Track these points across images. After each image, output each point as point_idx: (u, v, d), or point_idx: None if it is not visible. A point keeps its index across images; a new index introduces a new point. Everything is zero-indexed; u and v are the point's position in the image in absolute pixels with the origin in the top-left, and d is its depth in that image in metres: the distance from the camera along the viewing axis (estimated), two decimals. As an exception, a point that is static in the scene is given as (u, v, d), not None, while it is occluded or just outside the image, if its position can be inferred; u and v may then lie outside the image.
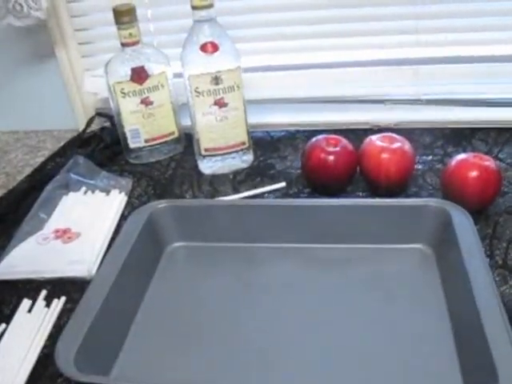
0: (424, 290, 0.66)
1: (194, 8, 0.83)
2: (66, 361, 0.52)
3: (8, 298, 0.71)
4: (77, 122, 1.17)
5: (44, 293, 0.71)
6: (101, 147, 1.05)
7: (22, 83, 1.17)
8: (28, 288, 0.72)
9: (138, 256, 0.69)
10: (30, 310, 0.68)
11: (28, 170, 1.04)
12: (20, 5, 0.94)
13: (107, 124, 1.12)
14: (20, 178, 1.01)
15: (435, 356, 0.58)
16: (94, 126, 1.12)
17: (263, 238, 0.75)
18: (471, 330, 0.55)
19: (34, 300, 0.69)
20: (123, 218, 0.85)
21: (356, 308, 0.65)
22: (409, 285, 0.68)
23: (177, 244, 0.77)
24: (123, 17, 0.89)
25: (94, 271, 0.73)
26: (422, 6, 0.96)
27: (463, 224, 0.67)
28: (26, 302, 0.69)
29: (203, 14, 0.84)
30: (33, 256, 0.77)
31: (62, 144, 1.12)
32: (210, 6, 0.83)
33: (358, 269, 0.71)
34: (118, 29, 0.90)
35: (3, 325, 0.66)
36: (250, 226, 0.76)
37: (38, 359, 0.61)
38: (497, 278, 0.66)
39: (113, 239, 0.79)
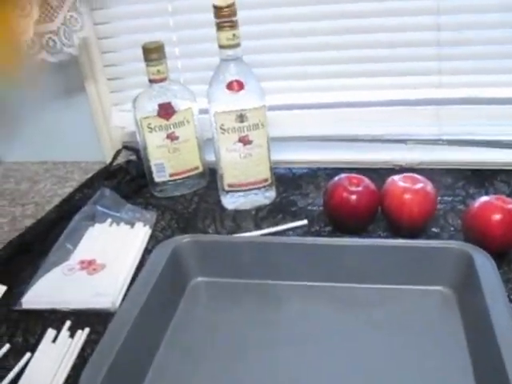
0: (445, 333, 0.66)
1: (222, 47, 0.86)
2: None
3: (33, 328, 0.72)
4: (103, 154, 1.20)
5: (68, 323, 0.72)
6: (127, 180, 1.08)
7: (52, 115, 1.21)
8: (53, 318, 0.74)
9: (161, 290, 0.70)
10: (54, 340, 0.69)
11: (56, 200, 1.07)
12: (53, 41, 0.98)
13: (133, 157, 1.14)
14: (48, 207, 1.04)
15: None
16: (120, 159, 1.15)
17: (284, 275, 0.76)
18: (494, 375, 0.55)
19: (59, 330, 0.71)
20: (147, 251, 0.86)
21: (376, 348, 0.65)
22: (430, 326, 0.68)
23: (199, 279, 0.78)
24: (152, 54, 0.92)
25: (117, 303, 0.74)
26: (445, 48, 0.98)
27: (486, 267, 0.67)
28: (50, 332, 0.70)
29: (230, 53, 0.86)
30: (58, 287, 0.78)
31: (89, 175, 1.15)
32: (237, 45, 0.86)
33: (378, 309, 0.71)
34: (147, 65, 0.93)
35: (28, 354, 0.67)
36: (271, 263, 0.76)
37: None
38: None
39: (137, 272, 0.81)
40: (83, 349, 0.68)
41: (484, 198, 0.78)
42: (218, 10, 0.83)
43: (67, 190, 1.12)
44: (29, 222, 0.99)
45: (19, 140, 1.26)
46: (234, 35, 0.85)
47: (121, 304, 0.72)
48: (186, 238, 0.78)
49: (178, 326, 0.71)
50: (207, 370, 0.64)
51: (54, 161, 1.26)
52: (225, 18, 0.83)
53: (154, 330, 0.68)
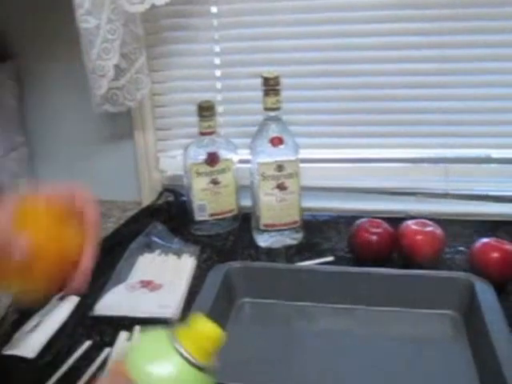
0: (453, 349, 0.79)
1: (266, 109, 1.02)
2: None
3: (107, 330, 0.86)
4: (140, 195, 1.33)
5: (138, 328, 0.85)
6: (166, 218, 1.21)
7: (98, 157, 1.33)
8: (123, 324, 0.86)
9: (217, 305, 0.83)
10: (128, 340, 0.82)
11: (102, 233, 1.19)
12: (116, 95, 1.13)
13: (170, 199, 1.29)
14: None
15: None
16: (158, 200, 1.29)
17: (316, 298, 0.89)
18: (495, 381, 0.67)
19: (131, 332, 0.84)
20: (194, 277, 0.99)
21: (392, 362, 0.77)
22: (440, 344, 0.80)
23: (246, 299, 0.91)
24: (205, 111, 1.07)
25: (178, 315, 0.88)
26: (449, 115, 1.16)
27: (486, 293, 0.81)
28: (123, 333, 0.83)
29: (273, 114, 1.02)
30: (124, 299, 0.92)
31: (127, 213, 1.27)
32: (279, 108, 1.02)
33: (394, 329, 0.84)
34: (200, 120, 1.08)
35: (108, 348, 0.81)
36: (305, 287, 0.89)
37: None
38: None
39: (188, 293, 0.94)
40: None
41: (485, 240, 0.93)
42: (265, 80, 1.00)
43: (110, 225, 1.23)
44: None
45: (62, 177, 1.30)
46: (277, 100, 1.01)
47: (182, 315, 0.87)
48: (236, 264, 0.92)
49: (229, 333, 0.83)
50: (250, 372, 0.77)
51: None
52: (271, 86, 1.00)
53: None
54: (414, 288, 0.87)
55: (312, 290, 0.89)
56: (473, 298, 0.82)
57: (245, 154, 1.08)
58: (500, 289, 0.88)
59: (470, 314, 0.82)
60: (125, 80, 1.11)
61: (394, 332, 0.84)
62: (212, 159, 1.10)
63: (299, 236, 1.11)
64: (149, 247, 1.07)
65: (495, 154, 1.18)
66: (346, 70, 1.17)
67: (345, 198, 1.22)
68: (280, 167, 1.03)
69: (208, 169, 1.11)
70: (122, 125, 1.28)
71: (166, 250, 1.07)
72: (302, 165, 1.06)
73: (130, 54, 1.10)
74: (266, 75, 1.00)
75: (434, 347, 0.80)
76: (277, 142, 1.02)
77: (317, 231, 1.15)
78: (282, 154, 1.03)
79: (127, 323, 0.87)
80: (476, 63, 1.12)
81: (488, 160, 1.18)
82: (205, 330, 0.50)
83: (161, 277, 0.98)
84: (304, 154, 1.09)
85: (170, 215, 1.23)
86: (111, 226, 1.23)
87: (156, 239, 1.09)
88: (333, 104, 1.20)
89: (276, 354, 0.80)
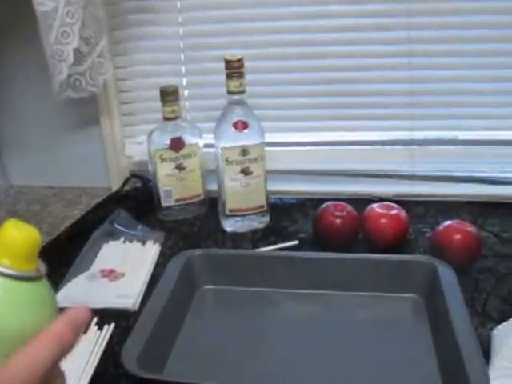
0: (415, 331, 0.79)
1: (230, 93, 1.00)
2: (130, 362, 0.67)
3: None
4: (110, 181, 1.32)
5: (96, 319, 0.83)
6: (133, 205, 1.20)
7: (65, 145, 1.32)
8: (81, 315, 0.86)
9: (177, 293, 0.83)
10: (84, 332, 0.81)
11: (68, 221, 1.18)
12: (79, 81, 1.11)
13: (138, 185, 1.27)
14: (62, 226, 1.15)
15: (423, 378, 0.71)
16: (126, 186, 1.28)
17: (279, 284, 0.88)
18: (454, 364, 0.67)
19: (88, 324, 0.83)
20: (157, 264, 0.98)
21: (357, 345, 0.77)
22: (402, 326, 0.81)
23: (207, 286, 0.90)
24: (168, 96, 1.06)
25: (137, 305, 0.87)
26: (416, 97, 1.15)
27: (447, 276, 0.81)
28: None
29: (236, 97, 1.01)
30: (84, 290, 0.91)
31: (95, 200, 1.26)
32: (243, 91, 1.00)
33: (359, 312, 0.84)
34: (163, 105, 1.06)
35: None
36: (268, 273, 0.89)
37: (94, 370, 0.75)
38: (476, 323, 0.79)
39: (151, 281, 0.93)
40: (110, 340, 0.80)
41: (447, 222, 0.92)
42: (228, 62, 0.98)
43: (77, 212, 1.22)
44: (45, 239, 1.08)
45: (30, 165, 1.37)
46: (240, 83, 0.99)
47: (141, 304, 0.86)
48: (198, 251, 0.92)
49: (191, 322, 0.84)
50: (214, 358, 0.77)
51: (60, 186, 1.35)
52: (234, 69, 0.98)
53: (173, 323, 0.81)
54: (377, 272, 0.86)
55: (275, 275, 0.89)
56: (435, 281, 0.82)
57: (210, 138, 1.07)
58: (463, 271, 0.89)
59: (432, 298, 0.82)
60: (87, 65, 1.09)
61: (357, 317, 0.84)
62: (176, 144, 1.09)
63: (266, 220, 1.10)
64: (112, 235, 1.06)
65: (462, 135, 1.18)
66: (311, 52, 1.15)
67: (312, 180, 1.22)
68: (244, 152, 1.02)
69: (173, 154, 1.10)
70: (88, 111, 1.26)
71: (131, 238, 1.06)
72: (267, 149, 1.06)
73: (91, 38, 1.07)
74: (228, 58, 0.98)
75: (395, 331, 0.80)
76: (241, 126, 1.01)
77: (284, 215, 1.15)
78: (246, 139, 1.02)
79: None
80: (442, 45, 1.11)
81: (455, 142, 1.18)
82: (16, 235, 0.41)
83: (123, 265, 0.97)
84: (270, 137, 1.09)
85: (137, 201, 1.22)
86: (79, 213, 1.22)
87: (119, 227, 1.08)
88: (298, 87, 1.19)
89: (240, 341, 0.80)
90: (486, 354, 0.70)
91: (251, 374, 0.73)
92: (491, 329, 0.75)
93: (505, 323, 0.73)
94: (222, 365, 0.75)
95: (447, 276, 0.82)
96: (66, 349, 0.40)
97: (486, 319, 0.80)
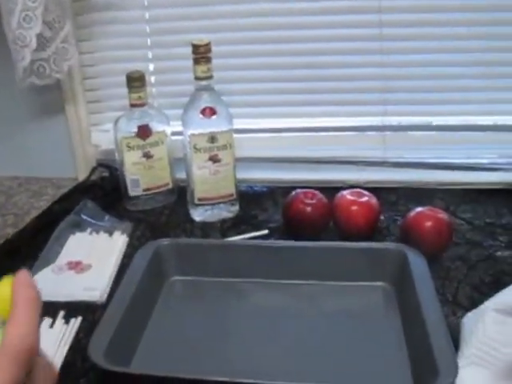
0: (385, 319, 0.79)
1: (197, 78, 0.98)
2: (97, 355, 0.66)
3: (30, 317, 0.82)
4: (76, 171, 1.29)
5: (62, 313, 0.81)
6: (101, 195, 1.17)
7: (29, 133, 1.28)
8: (47, 309, 0.82)
9: (145, 283, 0.81)
10: (51, 326, 0.79)
11: (34, 212, 1.15)
12: (43, 67, 1.07)
13: (106, 174, 1.24)
14: (28, 218, 1.12)
15: (393, 365, 0.70)
16: (93, 176, 1.25)
17: (249, 274, 0.87)
18: (423, 352, 0.67)
19: (54, 319, 0.80)
20: (125, 255, 0.96)
21: (327, 334, 0.77)
22: (373, 315, 0.80)
23: (176, 277, 0.89)
24: (135, 82, 1.03)
25: (104, 297, 0.85)
26: (388, 82, 1.13)
27: (418, 264, 0.80)
28: (47, 320, 0.80)
29: (204, 83, 0.98)
30: (50, 283, 0.88)
31: (61, 190, 1.23)
32: (210, 77, 0.98)
33: (329, 302, 0.83)
34: (129, 92, 1.04)
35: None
36: (237, 263, 0.87)
37: (62, 364, 0.73)
38: (447, 311, 0.78)
39: (119, 272, 0.91)
40: (77, 333, 0.78)
41: (419, 209, 0.91)
42: (195, 47, 0.96)
43: (43, 203, 1.19)
44: (11, 231, 1.06)
45: None
46: (208, 69, 0.97)
47: (109, 296, 0.84)
48: (166, 241, 0.90)
49: (159, 313, 0.82)
50: (183, 349, 0.75)
51: (26, 176, 1.32)
52: (201, 54, 0.96)
53: (141, 314, 0.79)
54: (347, 261, 0.85)
55: (244, 265, 0.87)
56: (405, 269, 0.81)
57: (178, 125, 1.04)
58: (434, 258, 0.88)
59: (402, 286, 0.81)
60: (50, 51, 1.05)
61: (327, 306, 0.83)
62: (143, 132, 1.06)
63: (235, 209, 1.09)
64: (78, 226, 1.03)
65: (436, 121, 1.16)
66: (280, 36, 1.13)
67: (282, 168, 1.20)
68: (213, 139, 1.00)
69: (140, 142, 1.07)
70: (52, 98, 1.23)
71: (97, 229, 1.04)
72: (236, 135, 1.04)
73: (55, 23, 1.04)
74: (195, 42, 0.96)
75: (366, 320, 0.79)
76: (208, 112, 0.99)
77: (254, 203, 1.13)
78: (214, 125, 1.00)
79: (50, 309, 0.82)
80: (414, 28, 1.10)
81: (428, 127, 1.17)
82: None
83: (90, 257, 0.95)
84: (239, 124, 1.08)
85: (104, 191, 1.19)
86: (45, 204, 1.19)
87: (86, 217, 1.05)
88: (267, 72, 1.17)
89: (209, 332, 0.78)
90: (457, 342, 0.69)
91: (221, 365, 0.72)
92: (461, 317, 0.74)
93: (475, 310, 0.72)
94: (191, 356, 0.74)
95: (418, 264, 0.81)
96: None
97: (456, 307, 0.80)
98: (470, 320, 0.71)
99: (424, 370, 0.66)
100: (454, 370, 0.62)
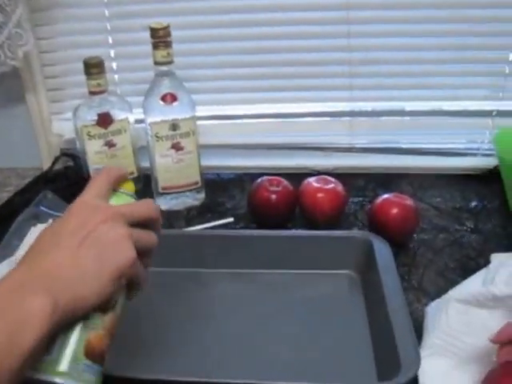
0: (350, 307, 0.78)
1: (157, 64, 0.95)
2: None
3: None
4: (41, 161, 1.25)
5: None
6: (65, 185, 1.14)
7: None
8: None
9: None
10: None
11: (-5, 204, 1.11)
12: (-3, 54, 1.04)
13: (71, 163, 1.21)
14: (-12, 210, 1.08)
15: (357, 352, 0.70)
16: (58, 165, 1.20)
17: (213, 264, 0.85)
18: (386, 341, 0.66)
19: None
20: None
21: (294, 322, 0.75)
22: (338, 303, 0.79)
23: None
24: (93, 68, 0.99)
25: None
26: (354, 67, 1.10)
27: (383, 252, 0.79)
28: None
29: (164, 68, 0.95)
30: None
31: (26, 180, 1.19)
32: (171, 62, 0.95)
33: (295, 291, 0.82)
34: (88, 79, 1.00)
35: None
36: (202, 253, 0.85)
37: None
38: (412, 298, 0.78)
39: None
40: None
41: (385, 196, 0.90)
42: (153, 31, 0.93)
43: (5, 194, 1.15)
44: None
45: None
46: (168, 53, 0.94)
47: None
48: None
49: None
50: (148, 341, 0.74)
51: None
52: (160, 38, 0.93)
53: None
54: (312, 249, 0.84)
55: (208, 255, 0.86)
56: (370, 257, 0.80)
57: (142, 113, 1.01)
58: (401, 245, 0.87)
59: (367, 274, 0.80)
60: (3, 36, 1.01)
61: (292, 295, 0.81)
62: (104, 120, 1.03)
63: (201, 196, 1.07)
64: (37, 218, 1.00)
65: (398, 106, 1.14)
66: (244, 20, 1.10)
67: (249, 155, 1.18)
68: (174, 126, 0.97)
69: (101, 130, 1.04)
70: (12, 87, 1.18)
71: (59, 220, 1.00)
72: (201, 122, 1.02)
73: (5, 6, 0.99)
74: (153, 26, 0.93)
75: (331, 309, 0.78)
76: (169, 98, 0.96)
77: (221, 191, 1.12)
78: (176, 112, 0.97)
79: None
80: (382, 11, 1.07)
81: (396, 113, 1.14)
82: None
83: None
84: (205, 111, 1.06)
85: (68, 181, 1.16)
86: (8, 195, 1.15)
87: (45, 209, 1.01)
88: (231, 57, 1.13)
89: (174, 323, 0.77)
90: (421, 329, 0.69)
91: (187, 357, 0.71)
92: (426, 304, 0.74)
93: (438, 299, 0.71)
94: (156, 349, 0.72)
95: (383, 252, 0.80)
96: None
97: (421, 294, 0.79)
98: (432, 310, 0.70)
99: (387, 362, 0.64)
100: (416, 361, 0.61)
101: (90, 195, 0.56)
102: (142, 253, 0.56)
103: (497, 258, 0.77)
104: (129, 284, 0.56)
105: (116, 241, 0.52)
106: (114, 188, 0.59)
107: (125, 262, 0.52)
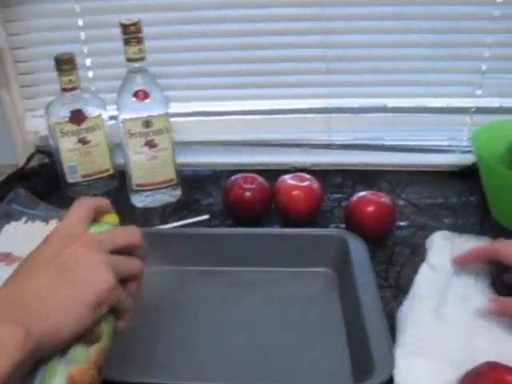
0: (326, 304, 0.77)
1: (129, 60, 0.93)
2: None
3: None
4: (16, 158, 1.23)
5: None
6: (40, 182, 1.13)
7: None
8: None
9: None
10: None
11: (-30, 202, 1.10)
12: (-33, 50, 1.02)
13: (46, 160, 1.19)
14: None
15: (332, 352, 0.69)
16: (33, 162, 1.19)
17: (187, 262, 0.84)
18: (360, 341, 0.66)
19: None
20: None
21: (270, 319, 0.75)
22: (314, 300, 0.78)
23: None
24: (64, 65, 0.97)
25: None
26: (332, 63, 1.09)
27: (358, 250, 0.79)
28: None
29: (136, 65, 0.94)
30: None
31: (1, 178, 1.18)
32: (143, 58, 0.93)
33: (272, 288, 0.81)
34: (59, 75, 0.98)
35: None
36: (176, 251, 0.84)
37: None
38: (389, 297, 0.77)
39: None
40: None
41: (361, 193, 0.89)
42: (124, 27, 0.91)
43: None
44: None
45: None
46: (139, 50, 0.92)
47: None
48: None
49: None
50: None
51: None
52: (131, 34, 0.91)
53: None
54: (288, 247, 0.83)
55: (182, 253, 0.84)
56: (346, 255, 0.79)
57: (115, 109, 1.00)
58: (378, 243, 0.87)
59: (343, 271, 0.80)
60: (-27, 32, 1.00)
61: (268, 293, 0.81)
62: (76, 117, 1.02)
63: (178, 193, 1.06)
64: (10, 216, 0.98)
65: (375, 103, 1.13)
66: (219, 15, 1.07)
67: (226, 151, 1.17)
68: (147, 123, 0.96)
69: (74, 127, 1.03)
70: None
71: (33, 218, 0.99)
72: (176, 119, 1.01)
73: (-25, 3, 0.98)
74: (124, 22, 0.91)
75: (307, 307, 0.78)
76: (141, 95, 0.95)
77: (197, 187, 1.10)
78: (149, 109, 0.96)
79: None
80: (359, 8, 1.05)
81: (369, 110, 1.13)
82: None
83: (22, 248, 0.90)
84: (179, 107, 1.05)
85: (43, 178, 1.14)
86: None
87: (18, 207, 1.00)
88: (206, 53, 1.11)
89: (147, 323, 0.75)
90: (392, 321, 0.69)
91: (162, 355, 0.70)
92: (403, 302, 0.73)
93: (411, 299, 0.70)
94: (130, 348, 0.70)
95: (358, 250, 0.79)
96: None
97: (398, 292, 0.78)
98: (406, 308, 0.70)
99: (362, 364, 0.64)
100: (390, 361, 0.61)
101: (68, 222, 0.56)
102: (126, 280, 0.56)
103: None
104: (115, 314, 0.55)
105: (92, 266, 0.51)
106: (96, 219, 0.59)
107: (102, 288, 0.50)
